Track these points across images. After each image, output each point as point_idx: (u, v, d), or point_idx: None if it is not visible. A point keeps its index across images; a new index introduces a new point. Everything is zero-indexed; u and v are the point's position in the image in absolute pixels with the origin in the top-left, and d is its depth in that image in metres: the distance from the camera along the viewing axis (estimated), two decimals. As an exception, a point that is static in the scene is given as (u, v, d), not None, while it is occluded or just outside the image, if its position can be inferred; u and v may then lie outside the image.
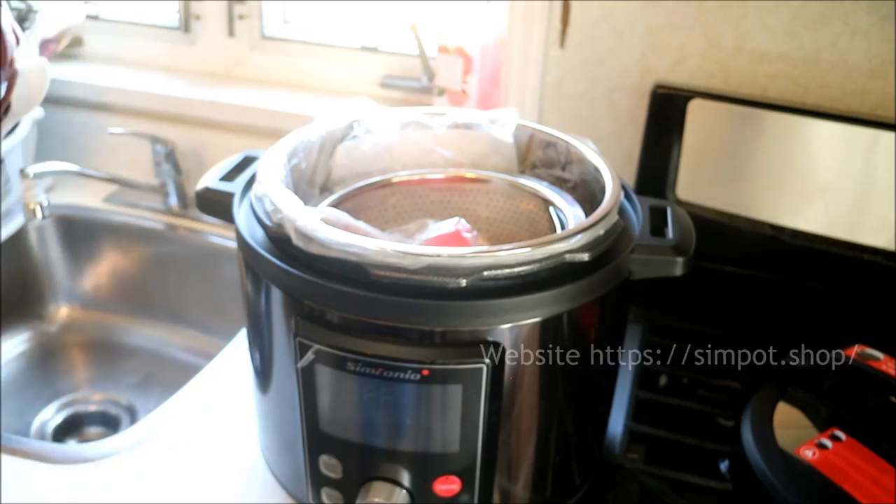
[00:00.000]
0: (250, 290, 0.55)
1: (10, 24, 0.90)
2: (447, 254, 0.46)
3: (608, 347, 0.57)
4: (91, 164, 1.13)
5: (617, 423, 0.67)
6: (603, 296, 0.51)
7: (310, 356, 0.48)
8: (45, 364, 1.03)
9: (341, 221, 0.51)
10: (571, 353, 0.52)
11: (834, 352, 0.63)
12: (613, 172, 0.58)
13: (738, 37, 0.81)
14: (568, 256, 0.48)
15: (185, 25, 1.13)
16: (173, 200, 1.08)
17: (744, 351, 0.77)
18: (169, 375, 0.98)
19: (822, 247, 0.77)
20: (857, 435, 0.59)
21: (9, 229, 1.05)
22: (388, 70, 1.06)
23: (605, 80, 0.88)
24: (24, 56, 0.91)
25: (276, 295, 0.51)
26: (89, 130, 1.15)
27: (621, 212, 0.56)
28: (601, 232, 0.50)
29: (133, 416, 0.95)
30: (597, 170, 0.59)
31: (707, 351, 0.78)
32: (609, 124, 0.90)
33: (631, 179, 0.85)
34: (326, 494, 0.54)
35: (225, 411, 0.73)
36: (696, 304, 0.82)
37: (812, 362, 0.64)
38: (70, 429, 0.94)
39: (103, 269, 1.09)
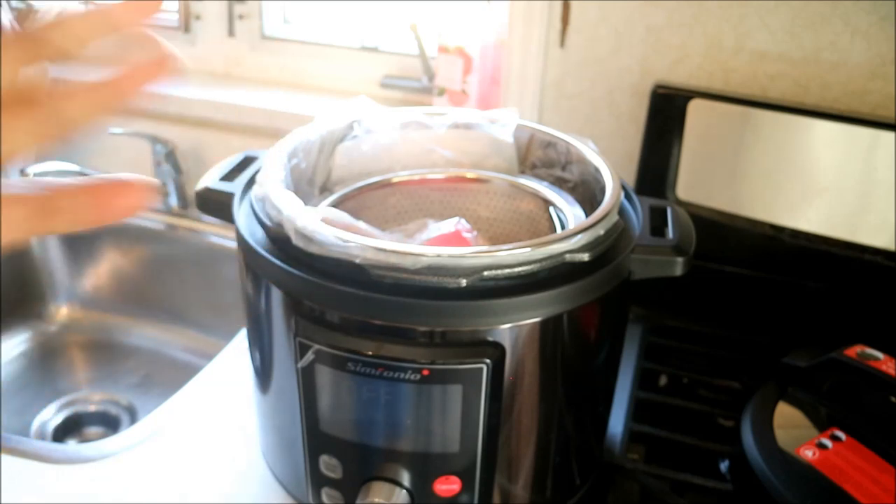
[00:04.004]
0: (250, 290, 0.55)
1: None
2: (447, 254, 0.46)
3: (608, 347, 0.57)
4: (91, 164, 1.13)
5: (617, 423, 0.67)
6: (603, 296, 0.51)
7: (310, 356, 0.48)
8: (45, 364, 1.03)
9: (341, 221, 0.51)
10: (571, 354, 0.52)
11: (834, 352, 0.63)
12: (613, 172, 0.58)
13: (738, 37, 0.81)
14: (568, 256, 0.48)
15: (185, 25, 1.13)
16: (173, 200, 1.08)
17: (744, 351, 0.78)
18: (169, 375, 0.98)
19: (822, 247, 0.77)
20: (857, 435, 0.59)
21: (9, 229, 1.05)
22: (388, 70, 1.06)
23: (605, 80, 0.88)
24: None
25: (276, 295, 0.51)
26: (89, 130, 1.15)
27: (621, 212, 0.56)
28: (601, 232, 0.50)
29: (133, 416, 0.95)
30: (597, 170, 0.59)
31: (707, 351, 0.78)
32: (609, 124, 0.90)
33: (631, 179, 0.85)
34: (326, 494, 0.54)
35: (225, 411, 0.73)
36: (696, 304, 0.82)
37: (812, 362, 0.64)
38: (70, 429, 0.94)
39: (103, 269, 1.09)
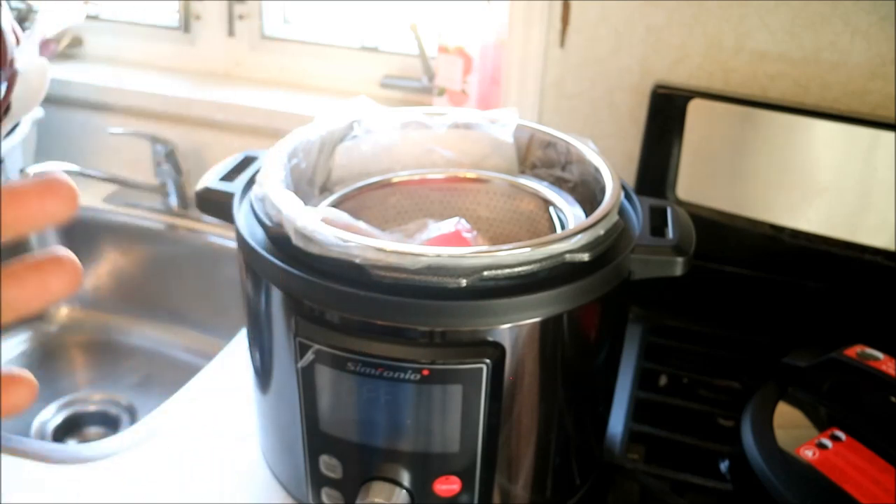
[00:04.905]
0: (250, 290, 0.55)
1: (10, 24, 0.89)
2: (447, 254, 0.46)
3: (608, 347, 0.57)
4: (91, 164, 1.13)
5: (617, 423, 0.67)
6: (603, 296, 0.51)
7: (310, 356, 0.48)
8: (45, 364, 1.03)
9: (341, 221, 0.51)
10: (571, 354, 0.52)
11: (834, 352, 0.63)
12: (613, 172, 0.58)
13: (738, 37, 0.81)
14: (568, 256, 0.48)
15: (185, 25, 1.13)
16: (173, 200, 1.08)
17: (744, 351, 0.78)
18: (169, 375, 0.98)
19: (822, 247, 0.77)
20: (857, 435, 0.59)
21: (9, 229, 1.05)
22: (388, 70, 1.06)
23: (605, 80, 0.88)
24: (24, 56, 0.91)
25: (276, 295, 0.51)
26: (89, 130, 1.15)
27: (621, 212, 0.56)
28: (601, 232, 0.50)
29: (133, 416, 0.95)
30: (597, 170, 0.59)
31: (707, 351, 0.78)
32: (609, 124, 0.90)
33: (631, 179, 0.85)
34: (326, 494, 0.54)
35: (225, 411, 0.73)
36: (696, 304, 0.82)
37: (812, 362, 0.64)
38: (70, 429, 0.94)
39: (103, 269, 1.09)
